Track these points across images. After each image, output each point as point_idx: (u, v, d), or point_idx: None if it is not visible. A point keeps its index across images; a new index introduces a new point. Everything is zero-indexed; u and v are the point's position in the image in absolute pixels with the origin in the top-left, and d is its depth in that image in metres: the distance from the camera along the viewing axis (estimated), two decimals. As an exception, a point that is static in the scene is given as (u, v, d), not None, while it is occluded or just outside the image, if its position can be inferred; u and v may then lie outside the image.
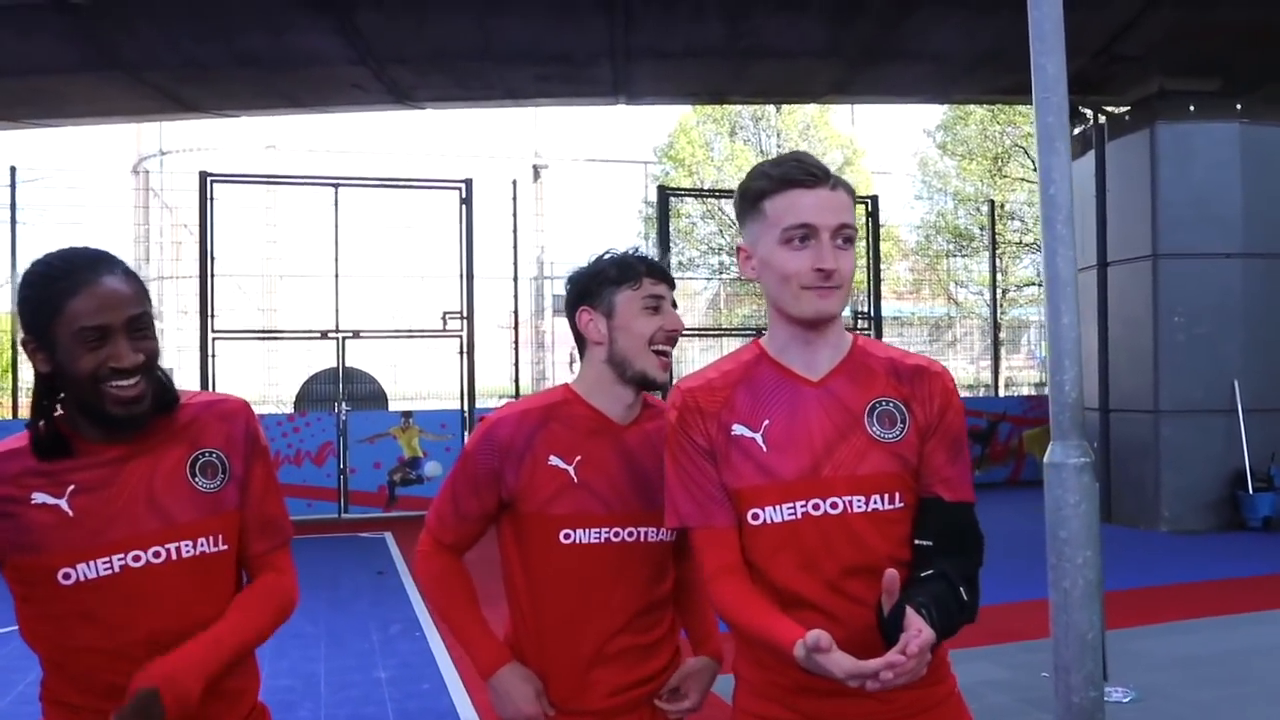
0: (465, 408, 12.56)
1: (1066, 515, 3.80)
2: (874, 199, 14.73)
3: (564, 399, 2.08)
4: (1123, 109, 11.50)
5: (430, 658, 6.09)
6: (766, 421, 1.74)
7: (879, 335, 14.48)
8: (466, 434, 12.37)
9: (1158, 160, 10.66)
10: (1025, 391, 20.36)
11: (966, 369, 26.82)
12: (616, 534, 2.00)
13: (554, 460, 2.00)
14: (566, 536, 1.99)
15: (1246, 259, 10.54)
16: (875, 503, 1.68)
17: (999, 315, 21.56)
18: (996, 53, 10.32)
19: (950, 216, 23.70)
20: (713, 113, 23.63)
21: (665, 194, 14.45)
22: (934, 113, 23.44)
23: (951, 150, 23.84)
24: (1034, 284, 22.49)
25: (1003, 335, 21.28)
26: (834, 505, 1.68)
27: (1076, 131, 12.63)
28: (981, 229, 22.23)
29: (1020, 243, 21.73)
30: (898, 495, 1.70)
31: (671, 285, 2.05)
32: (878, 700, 1.65)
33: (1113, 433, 11.23)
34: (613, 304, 2.02)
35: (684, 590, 2.19)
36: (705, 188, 22.00)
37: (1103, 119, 11.81)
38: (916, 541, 1.70)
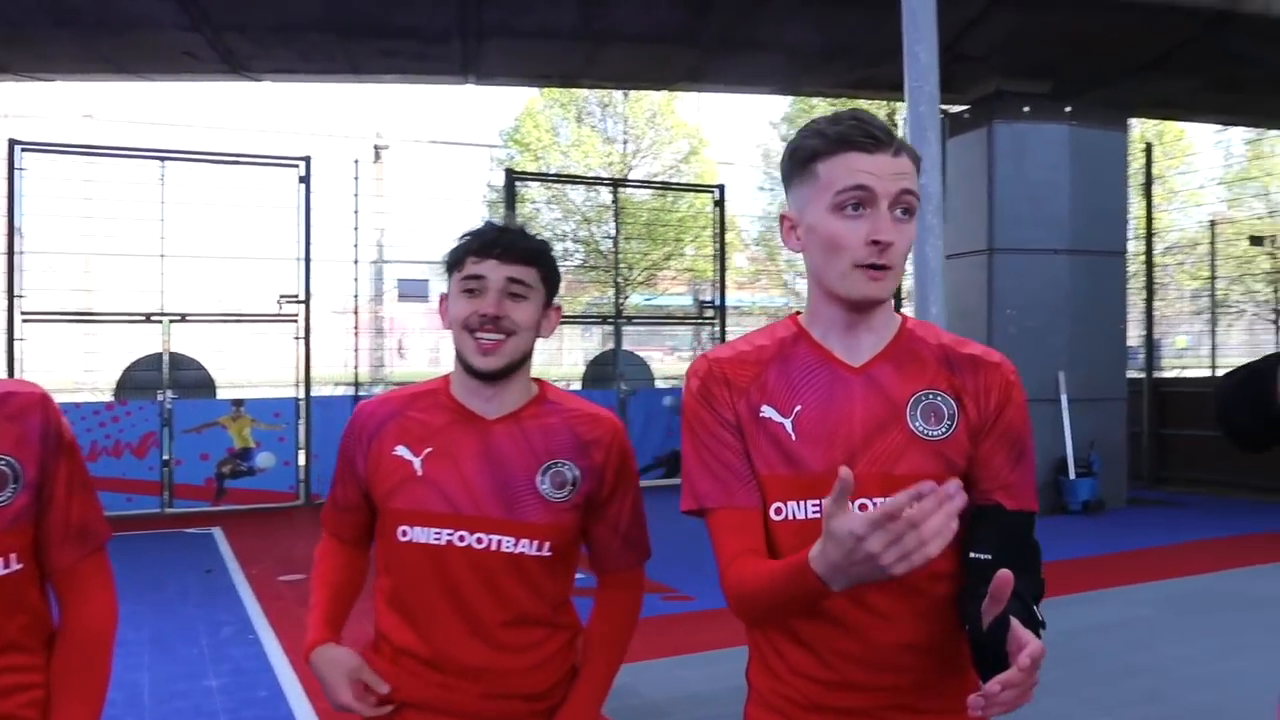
0: (301, 396, 12.03)
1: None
2: (721, 188, 14.83)
3: (435, 387, 1.95)
4: (963, 108, 11.87)
5: (266, 663, 5.72)
6: (798, 407, 1.53)
7: (724, 326, 14.59)
8: (302, 424, 11.86)
9: (995, 158, 11.08)
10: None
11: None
12: (462, 538, 1.81)
13: (399, 450, 1.87)
14: (403, 534, 1.84)
15: (1073, 255, 11.06)
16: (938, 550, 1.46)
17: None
18: (848, 47, 10.48)
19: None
20: (560, 97, 23.43)
21: (512, 178, 14.17)
22: (779, 105, 23.85)
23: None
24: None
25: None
26: (862, 507, 1.45)
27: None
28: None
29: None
30: None
31: (512, 261, 1.82)
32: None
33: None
34: (449, 289, 1.89)
35: (590, 629, 1.98)
36: (551, 173, 21.78)
37: (944, 117, 12.16)
38: (972, 555, 1.48)
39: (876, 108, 21.09)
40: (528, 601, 1.85)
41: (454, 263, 1.86)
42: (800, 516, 1.50)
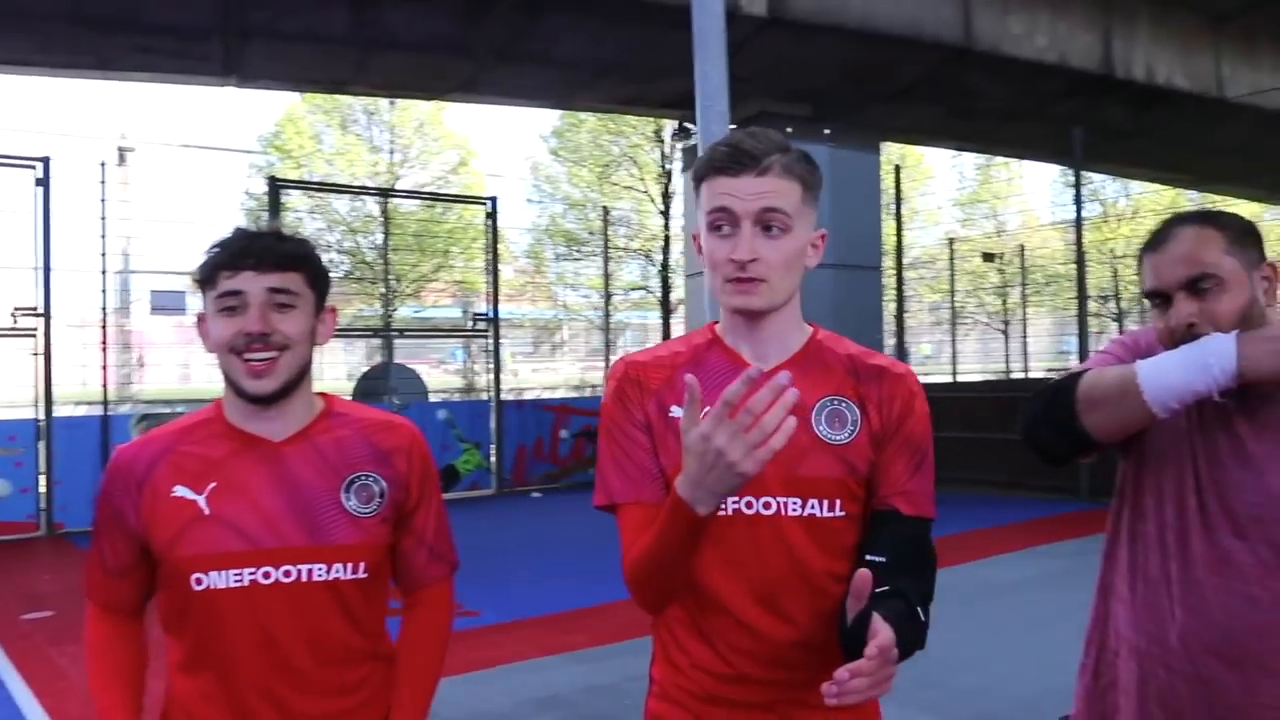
0: (41, 417, 11.06)
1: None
2: (493, 200, 14.77)
3: (208, 416, 1.75)
4: (730, 127, 12.35)
5: (15, 711, 5.22)
6: (708, 409, 1.49)
7: (497, 338, 14.53)
8: (41, 446, 10.91)
9: (760, 175, 11.60)
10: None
11: (572, 370, 27.76)
12: (268, 574, 1.63)
13: (179, 491, 1.66)
14: (198, 582, 1.63)
15: (836, 269, 11.71)
16: (812, 508, 1.53)
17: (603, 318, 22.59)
18: (621, 64, 10.70)
19: (561, 220, 24.38)
20: (323, 103, 22.70)
21: (276, 185, 13.58)
22: (549, 118, 24.06)
23: (564, 156, 24.54)
24: (641, 288, 23.67)
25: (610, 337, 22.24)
26: (767, 505, 1.52)
27: (689, 144, 13.41)
28: (592, 233, 23.07)
29: (627, 248, 22.77)
30: (839, 503, 1.55)
31: (271, 269, 1.64)
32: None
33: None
34: (206, 308, 1.69)
35: (402, 653, 1.84)
36: (314, 181, 21.05)
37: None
38: (869, 557, 1.52)
39: (645, 123, 21.66)
40: (349, 635, 1.72)
41: (206, 279, 1.66)
42: None
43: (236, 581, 1.63)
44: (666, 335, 22.10)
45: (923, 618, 1.46)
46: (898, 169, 15.02)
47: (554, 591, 7.40)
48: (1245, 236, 1.72)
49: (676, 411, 1.57)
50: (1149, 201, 30.94)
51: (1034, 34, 11.78)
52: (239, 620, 1.63)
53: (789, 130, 11.64)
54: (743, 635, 1.52)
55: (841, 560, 1.55)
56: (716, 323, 1.70)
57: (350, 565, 1.69)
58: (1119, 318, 29.17)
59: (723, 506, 1.43)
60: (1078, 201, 13.05)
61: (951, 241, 18.87)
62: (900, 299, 14.96)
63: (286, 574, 1.65)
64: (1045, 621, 6.44)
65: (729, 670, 1.55)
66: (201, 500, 1.65)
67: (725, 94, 4.15)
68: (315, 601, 1.67)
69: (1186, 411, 1.71)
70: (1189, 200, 31.33)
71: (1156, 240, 1.76)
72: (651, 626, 1.67)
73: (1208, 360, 1.56)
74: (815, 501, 1.53)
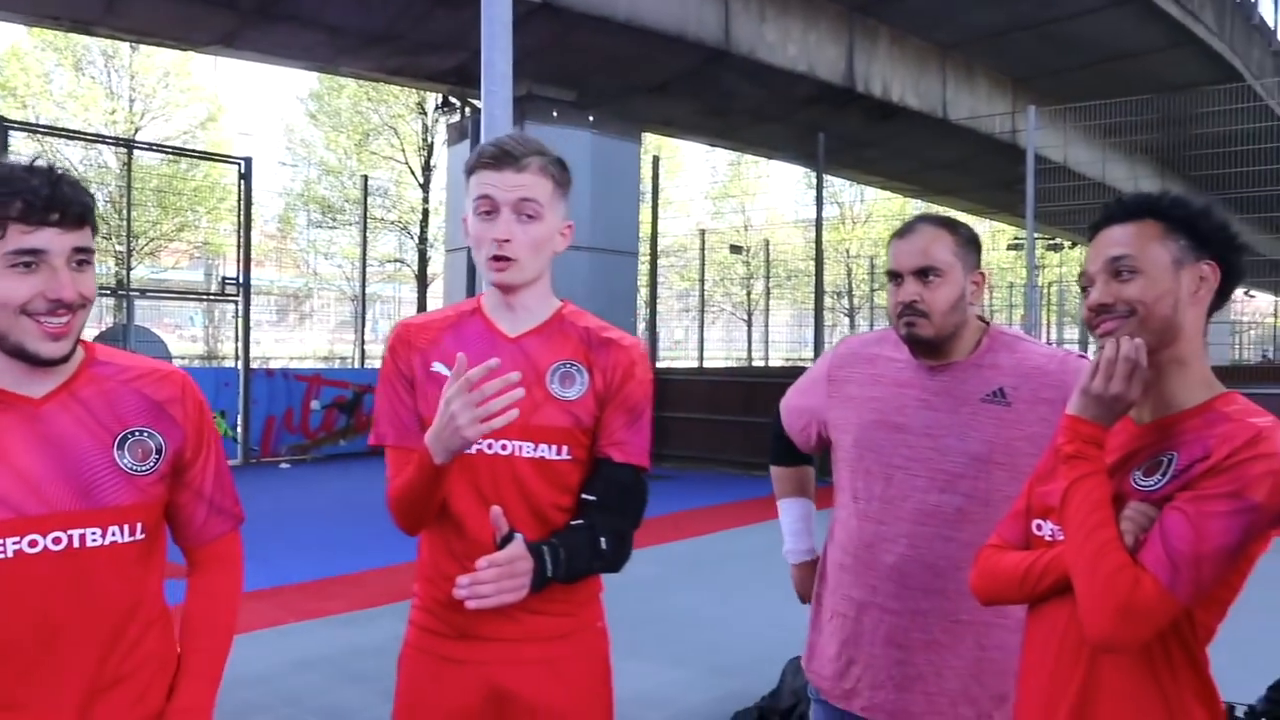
0: None
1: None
2: (248, 161, 14.21)
3: None
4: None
5: None
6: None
7: (248, 303, 14.05)
8: None
9: (524, 154, 11.80)
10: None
11: (320, 340, 26.93)
12: (35, 543, 1.53)
13: None
14: None
15: (593, 253, 12.09)
16: (542, 451, 1.82)
17: (357, 289, 22.05)
18: (391, 34, 10.62)
19: (316, 187, 23.62)
20: (55, 40, 20.91)
21: (5, 125, 12.54)
22: (307, 80, 23.21)
23: (322, 121, 23.76)
24: (396, 260, 23.30)
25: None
26: (504, 447, 1.83)
27: (454, 120, 13.43)
28: (350, 202, 22.50)
29: (384, 220, 22.37)
30: (565, 448, 1.85)
31: (75, 227, 1.52)
32: (514, 621, 1.82)
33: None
34: None
35: (189, 616, 1.77)
36: (44, 124, 19.43)
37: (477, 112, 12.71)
38: (583, 495, 1.86)
39: (408, 93, 21.31)
40: (127, 602, 1.63)
41: None
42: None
43: (2, 553, 1.51)
44: (422, 309, 21.88)
45: (603, 545, 1.82)
46: (656, 159, 15.58)
47: (307, 561, 7.37)
48: (970, 244, 2.15)
49: (437, 366, 1.88)
50: (881, 207, 33.36)
51: (787, 43, 12.58)
52: (5, 594, 1.52)
53: (555, 115, 11.91)
54: (483, 552, 1.74)
55: (565, 495, 1.87)
56: (483, 294, 1.99)
57: (127, 527, 1.61)
58: (851, 314, 31.36)
59: (472, 448, 1.77)
60: (819, 202, 14.05)
61: (703, 233, 19.73)
62: (654, 285, 15.57)
63: (56, 541, 1.54)
64: (778, 584, 7.06)
65: (465, 571, 1.77)
66: None
67: (510, 81, 4.34)
68: (91, 568, 1.57)
69: (896, 398, 2.17)
70: (914, 208, 34.05)
71: (904, 230, 2.18)
72: (416, 547, 1.96)
73: None
74: (545, 446, 1.84)
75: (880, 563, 2.14)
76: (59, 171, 1.54)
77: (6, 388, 1.56)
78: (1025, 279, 12.00)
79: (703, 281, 19.47)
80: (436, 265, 22.73)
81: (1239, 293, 27.58)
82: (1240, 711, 3.61)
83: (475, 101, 13.88)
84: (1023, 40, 14.38)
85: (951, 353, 2.14)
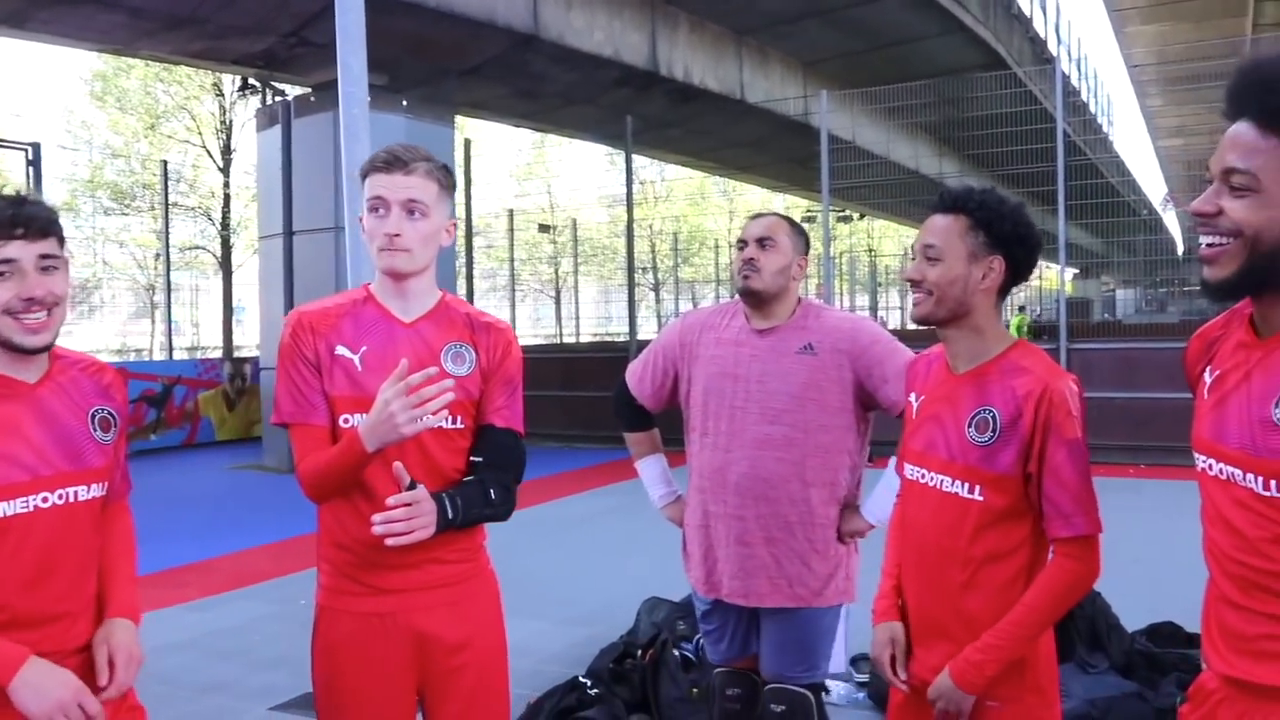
0: None
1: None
2: (35, 146, 13.51)
3: None
4: (307, 90, 12.39)
5: None
6: (364, 348, 2.13)
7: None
8: None
9: (340, 141, 11.68)
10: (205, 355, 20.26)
11: (113, 332, 25.60)
12: (45, 499, 1.90)
13: None
14: None
15: (413, 236, 12.18)
16: (440, 421, 2.03)
17: (153, 278, 21.12)
18: (196, 18, 10.43)
19: (103, 171, 22.40)
20: None
21: None
22: (88, 59, 21.92)
23: (107, 102, 22.52)
24: (196, 247, 22.44)
25: (157, 298, 20.89)
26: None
27: (266, 104, 13.21)
28: (144, 188, 21.50)
29: (183, 205, 21.47)
30: (459, 418, 2.14)
31: (39, 238, 1.86)
32: (421, 571, 2.13)
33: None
34: None
35: (110, 555, 2.11)
36: None
37: (291, 97, 12.57)
38: (472, 457, 2.16)
39: (203, 74, 20.51)
40: (94, 545, 2.01)
41: None
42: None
43: (25, 508, 1.87)
44: (228, 298, 21.14)
45: (492, 496, 2.13)
46: (468, 142, 15.76)
47: (145, 554, 7.33)
48: (799, 235, 2.86)
49: (341, 350, 2.13)
50: (681, 185, 34.41)
51: (593, 29, 12.99)
52: (24, 541, 1.87)
53: (368, 99, 11.92)
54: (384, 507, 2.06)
55: (459, 457, 2.18)
56: (369, 284, 2.27)
57: (99, 485, 1.99)
58: (656, 288, 32.24)
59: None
60: (629, 182, 14.59)
61: (511, 213, 19.94)
62: (469, 266, 15.77)
63: (61, 497, 1.92)
64: (615, 544, 7.59)
65: (375, 539, 2.05)
66: None
67: (365, 82, 4.60)
68: (80, 518, 1.96)
69: (734, 355, 2.82)
70: (714, 184, 35.27)
71: (757, 216, 2.90)
72: (317, 516, 2.20)
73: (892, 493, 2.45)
74: (442, 417, 2.04)
75: (728, 482, 2.78)
76: (23, 195, 1.92)
77: (8, 374, 1.92)
78: (821, 250, 12.89)
79: (512, 261, 19.68)
80: (241, 253, 22.01)
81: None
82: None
83: (280, 86, 13.70)
84: (812, 27, 15.29)
85: (775, 316, 2.82)
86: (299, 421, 2.12)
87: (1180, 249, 28.75)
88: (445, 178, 2.19)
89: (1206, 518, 1.59)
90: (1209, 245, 1.48)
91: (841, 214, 22.42)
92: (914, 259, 2.13)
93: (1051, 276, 38.02)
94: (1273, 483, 1.45)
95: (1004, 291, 2.11)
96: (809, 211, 26.35)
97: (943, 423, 2.10)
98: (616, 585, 6.04)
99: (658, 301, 32.46)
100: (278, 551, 7.58)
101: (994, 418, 2.01)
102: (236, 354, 18.24)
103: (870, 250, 36.61)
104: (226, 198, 21.60)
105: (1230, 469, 1.51)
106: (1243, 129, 1.45)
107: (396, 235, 2.08)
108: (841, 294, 29.67)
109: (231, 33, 11.29)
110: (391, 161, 2.11)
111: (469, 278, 15.76)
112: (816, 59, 16.95)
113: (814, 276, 15.95)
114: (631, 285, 15.07)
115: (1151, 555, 6.18)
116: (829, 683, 3.95)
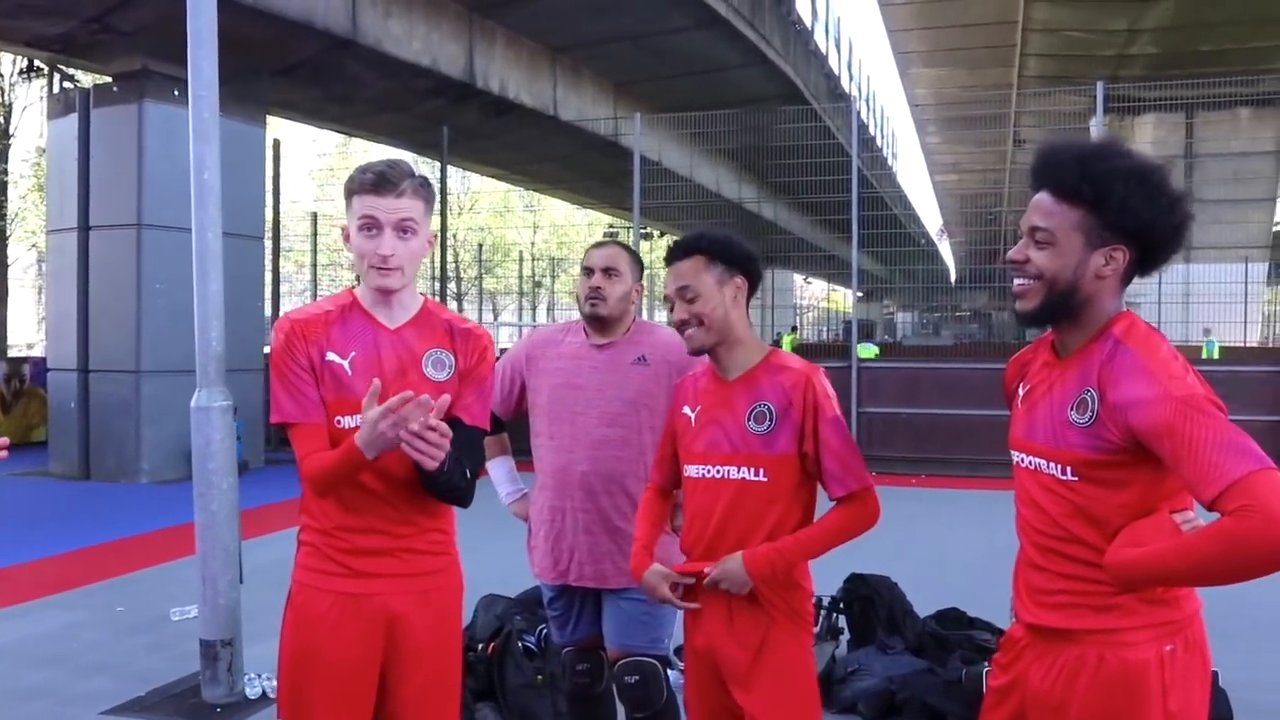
0: None
1: (214, 450, 4.48)
2: None
3: None
4: (107, 80, 11.85)
5: None
6: (353, 353, 2.28)
7: None
8: None
9: (145, 136, 11.23)
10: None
11: None
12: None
13: None
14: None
15: (227, 237, 11.78)
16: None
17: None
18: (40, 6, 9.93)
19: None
20: None
21: None
22: None
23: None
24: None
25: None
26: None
27: (57, 90, 12.54)
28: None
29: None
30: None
31: None
32: (401, 560, 2.31)
33: (93, 392, 11.53)
34: None
35: None
36: None
37: (90, 85, 12.00)
38: None
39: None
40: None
41: None
42: (353, 425, 2.25)
43: None
44: (2, 293, 19.66)
45: (469, 475, 2.32)
46: (277, 143, 15.38)
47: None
48: (637, 263, 3.23)
49: (331, 356, 2.28)
50: (485, 196, 34.42)
51: (411, 38, 13.01)
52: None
53: (175, 93, 11.51)
54: (371, 500, 2.28)
55: (435, 448, 2.31)
56: (353, 288, 2.45)
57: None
58: (459, 298, 32.10)
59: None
60: (443, 191, 14.66)
61: (315, 215, 19.52)
62: (276, 269, 15.38)
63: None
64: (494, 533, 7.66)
65: (362, 524, 2.29)
66: None
67: (215, 86, 4.63)
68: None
69: (575, 367, 3.15)
70: (518, 196, 35.46)
71: (600, 244, 3.29)
72: (301, 502, 2.36)
73: None
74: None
75: (571, 479, 3.11)
76: None
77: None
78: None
79: (315, 266, 19.24)
80: (17, 248, 20.55)
81: (800, 279, 31.73)
82: (825, 601, 4.79)
83: (73, 71, 13.05)
84: (624, 50, 15.78)
85: (613, 333, 3.17)
86: (301, 421, 2.24)
87: (953, 277, 31.04)
88: (429, 193, 2.31)
89: (1019, 499, 1.99)
90: (1019, 284, 1.92)
91: (644, 231, 23.06)
92: (672, 306, 2.52)
93: (838, 299, 40.27)
94: (1069, 469, 1.84)
95: (748, 301, 2.56)
96: (612, 227, 26.92)
97: (723, 423, 2.44)
98: (496, 565, 6.17)
99: (460, 310, 32.32)
100: (81, 560, 7.32)
101: (770, 410, 2.40)
102: (11, 353, 17.06)
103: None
104: (3, 185, 20.11)
105: (1038, 460, 1.90)
106: (1043, 197, 1.88)
107: (390, 256, 2.22)
108: (646, 309, 30.36)
109: (26, 12, 10.72)
110: (381, 183, 2.22)
111: (275, 281, 15.36)
112: (628, 80, 17.46)
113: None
114: (444, 294, 15.12)
115: (935, 553, 6.85)
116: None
